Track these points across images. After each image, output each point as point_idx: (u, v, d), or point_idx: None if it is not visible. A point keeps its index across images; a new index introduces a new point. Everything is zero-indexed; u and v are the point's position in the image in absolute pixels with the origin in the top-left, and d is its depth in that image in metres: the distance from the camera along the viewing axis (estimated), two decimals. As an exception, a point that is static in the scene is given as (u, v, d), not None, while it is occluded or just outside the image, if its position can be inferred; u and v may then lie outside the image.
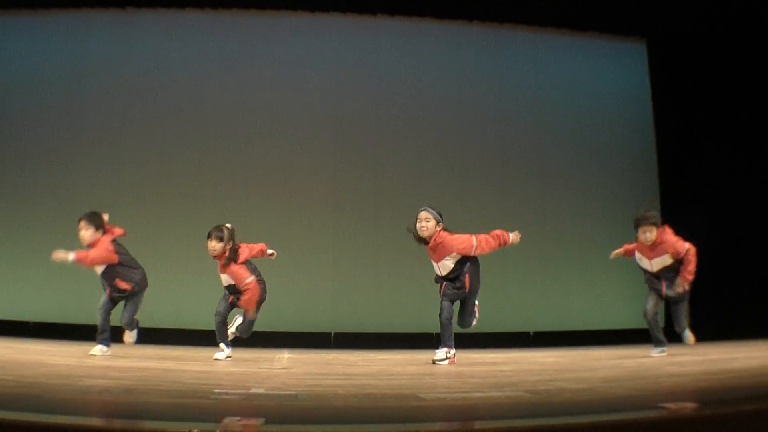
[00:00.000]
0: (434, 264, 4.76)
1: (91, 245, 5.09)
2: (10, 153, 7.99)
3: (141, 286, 5.23)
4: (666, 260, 5.34)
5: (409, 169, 8.34)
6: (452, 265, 4.67)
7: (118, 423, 1.96)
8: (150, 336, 6.95)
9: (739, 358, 4.46)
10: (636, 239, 5.39)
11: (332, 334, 7.83)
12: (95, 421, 1.99)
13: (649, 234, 5.28)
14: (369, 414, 2.34)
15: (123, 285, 5.15)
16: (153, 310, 7.59)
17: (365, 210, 8.13)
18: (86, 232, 5.09)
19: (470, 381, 3.42)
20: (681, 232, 5.38)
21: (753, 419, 1.98)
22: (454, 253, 4.64)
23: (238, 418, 2.00)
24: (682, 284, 5.24)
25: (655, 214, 5.48)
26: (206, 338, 7.53)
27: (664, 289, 5.33)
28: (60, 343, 6.36)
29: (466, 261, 4.68)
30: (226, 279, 5.02)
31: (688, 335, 5.38)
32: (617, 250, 5.63)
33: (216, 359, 4.85)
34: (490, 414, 2.36)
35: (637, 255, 5.48)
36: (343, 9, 8.39)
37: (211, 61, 8.27)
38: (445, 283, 4.69)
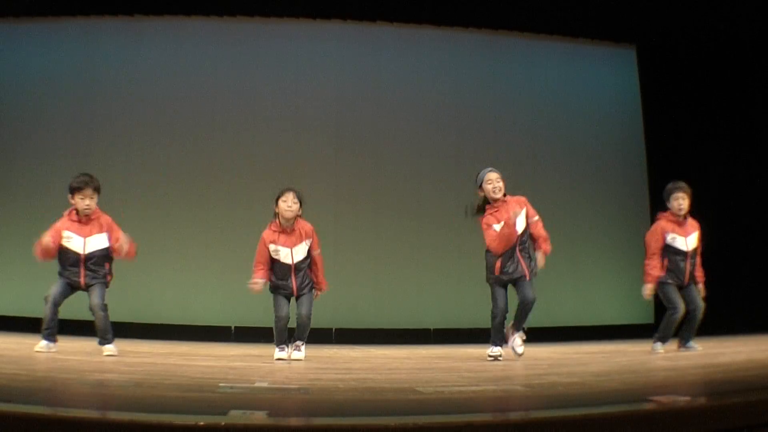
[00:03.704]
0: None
1: (96, 218, 4.59)
2: (21, 153, 8.02)
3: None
4: (697, 240, 4.78)
5: (407, 169, 8.40)
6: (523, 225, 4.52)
7: (126, 416, 1.98)
8: (157, 332, 7.02)
9: (726, 353, 4.49)
10: (668, 210, 4.85)
11: (333, 330, 7.87)
12: (105, 414, 2.02)
13: (683, 201, 4.75)
14: (369, 407, 2.39)
15: (111, 271, 4.61)
16: (160, 307, 7.61)
17: (365, 209, 8.21)
18: (93, 202, 4.61)
19: (466, 375, 3.47)
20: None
21: (739, 411, 2.03)
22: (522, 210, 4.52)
23: (243, 411, 2.04)
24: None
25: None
26: (211, 334, 7.59)
27: (691, 280, 4.69)
28: (70, 339, 6.40)
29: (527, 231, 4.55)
30: (300, 250, 4.49)
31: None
32: (647, 287, 4.85)
33: (279, 359, 4.36)
34: (485, 407, 2.41)
35: (669, 237, 4.78)
36: (344, 16, 8.45)
37: (216, 66, 8.30)
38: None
